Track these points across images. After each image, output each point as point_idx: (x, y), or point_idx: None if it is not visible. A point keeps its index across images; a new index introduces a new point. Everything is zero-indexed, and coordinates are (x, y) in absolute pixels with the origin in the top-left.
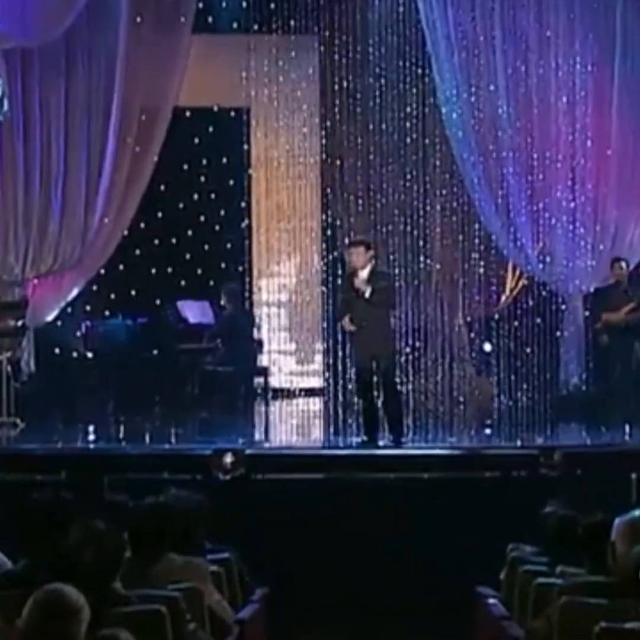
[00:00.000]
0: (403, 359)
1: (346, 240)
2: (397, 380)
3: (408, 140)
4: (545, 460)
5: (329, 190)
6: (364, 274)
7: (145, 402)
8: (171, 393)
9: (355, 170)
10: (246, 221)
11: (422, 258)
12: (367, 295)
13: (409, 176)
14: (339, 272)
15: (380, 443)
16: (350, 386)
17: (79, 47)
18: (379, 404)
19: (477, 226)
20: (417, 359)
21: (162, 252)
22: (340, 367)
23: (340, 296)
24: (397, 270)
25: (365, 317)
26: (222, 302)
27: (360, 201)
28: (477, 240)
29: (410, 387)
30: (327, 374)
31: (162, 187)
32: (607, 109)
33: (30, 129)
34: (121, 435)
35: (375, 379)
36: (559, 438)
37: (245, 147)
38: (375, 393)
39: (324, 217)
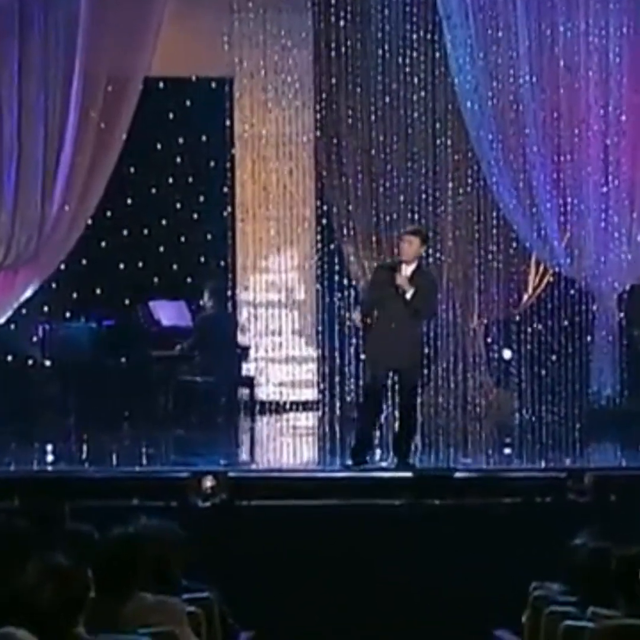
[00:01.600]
0: None
1: (344, 231)
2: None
3: (415, 115)
4: (574, 484)
5: (324, 173)
6: (408, 270)
7: (112, 417)
8: (142, 407)
9: (355, 150)
10: (229, 209)
11: (430, 251)
12: (408, 296)
13: (416, 157)
14: (336, 267)
15: (383, 465)
16: (348, 399)
17: (34, 6)
18: (381, 420)
19: (494, 214)
20: (425, 368)
21: (132, 244)
22: (337, 378)
23: (369, 289)
24: None
25: (396, 320)
26: (204, 302)
27: (360, 186)
28: (494, 231)
29: (417, 400)
30: (322, 385)
31: (132, 170)
32: None
33: None
34: (84, 455)
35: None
36: (590, 459)
37: (228, 123)
38: (382, 409)
39: (318, 204)
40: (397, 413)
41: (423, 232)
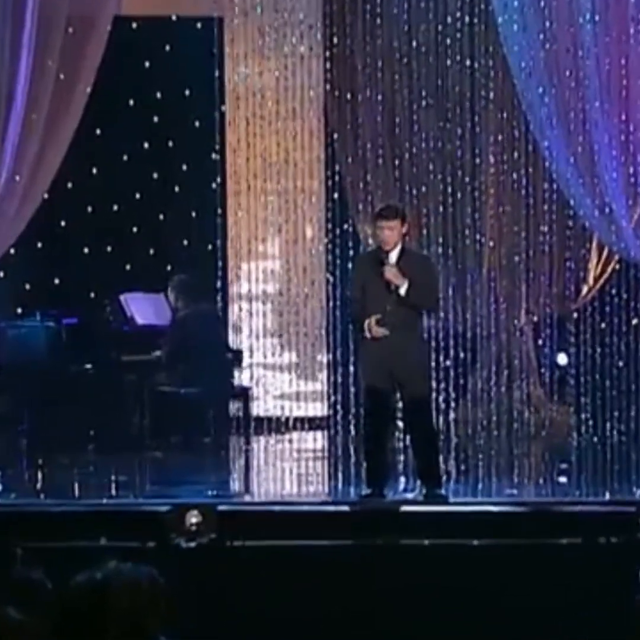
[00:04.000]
0: (441, 375)
1: (360, 207)
2: (432, 408)
3: (448, 63)
4: None
5: (336, 136)
6: (392, 257)
7: (74, 438)
8: (111, 425)
9: (374, 107)
10: (218, 180)
11: (467, 232)
12: (402, 291)
13: (449, 116)
14: (350, 252)
15: (402, 497)
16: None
17: None
18: (392, 443)
19: (547, 186)
20: (460, 377)
21: (98, 224)
22: (352, 389)
23: (352, 288)
24: (430, 250)
25: (390, 319)
26: (172, 301)
27: (380, 151)
28: (547, 207)
29: (451, 416)
30: (333, 398)
31: (98, 131)
32: None
33: None
34: (39, 485)
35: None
36: None
37: (217, 73)
38: (389, 427)
39: (328, 173)
40: (409, 432)
41: (400, 208)
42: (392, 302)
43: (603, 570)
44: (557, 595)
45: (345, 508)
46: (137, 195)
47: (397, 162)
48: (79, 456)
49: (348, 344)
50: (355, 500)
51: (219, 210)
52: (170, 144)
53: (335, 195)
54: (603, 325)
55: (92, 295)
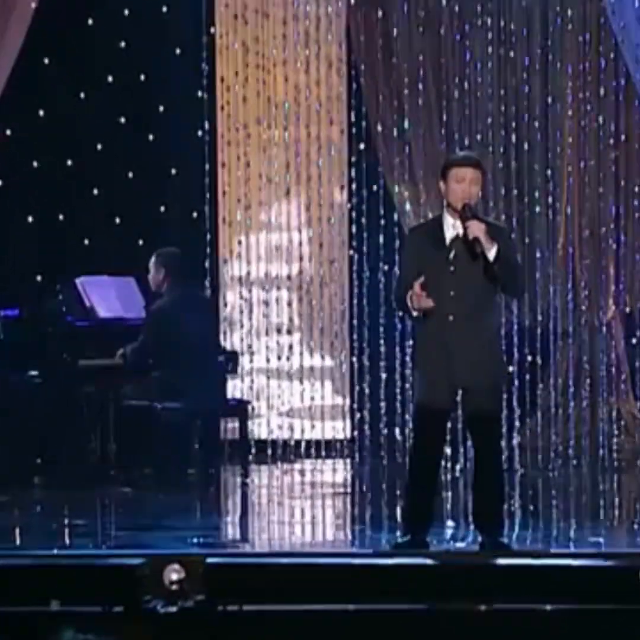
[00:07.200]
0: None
1: (395, 161)
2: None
3: None
4: None
5: (362, 67)
6: (448, 225)
7: (15, 467)
8: (65, 451)
9: (411, 27)
10: (206, 125)
11: (537, 195)
12: (491, 255)
13: (513, 38)
14: (382, 222)
15: (451, 546)
16: (400, 437)
17: None
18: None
19: None
20: (527, 388)
21: (47, 183)
22: (382, 403)
23: (407, 265)
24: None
25: (455, 308)
26: (153, 280)
27: (420, 87)
28: None
29: (515, 440)
30: (358, 415)
31: (46, 60)
32: None
33: None
34: None
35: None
36: None
37: None
38: (443, 453)
39: (353, 118)
40: (474, 463)
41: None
42: (457, 280)
43: None
44: None
45: (375, 561)
46: (99, 146)
47: (443, 101)
48: (22, 492)
49: (378, 344)
50: (389, 551)
51: (207, 166)
52: (142, 77)
53: (361, 146)
54: None
55: (39, 278)
